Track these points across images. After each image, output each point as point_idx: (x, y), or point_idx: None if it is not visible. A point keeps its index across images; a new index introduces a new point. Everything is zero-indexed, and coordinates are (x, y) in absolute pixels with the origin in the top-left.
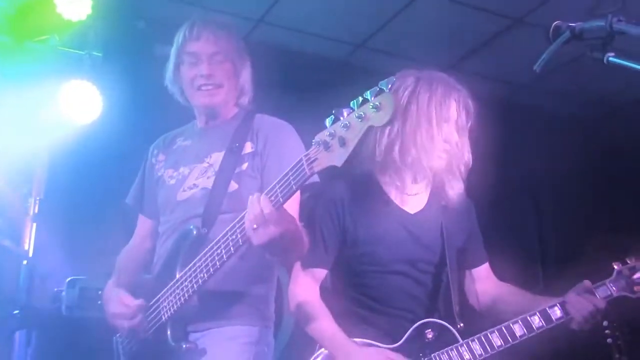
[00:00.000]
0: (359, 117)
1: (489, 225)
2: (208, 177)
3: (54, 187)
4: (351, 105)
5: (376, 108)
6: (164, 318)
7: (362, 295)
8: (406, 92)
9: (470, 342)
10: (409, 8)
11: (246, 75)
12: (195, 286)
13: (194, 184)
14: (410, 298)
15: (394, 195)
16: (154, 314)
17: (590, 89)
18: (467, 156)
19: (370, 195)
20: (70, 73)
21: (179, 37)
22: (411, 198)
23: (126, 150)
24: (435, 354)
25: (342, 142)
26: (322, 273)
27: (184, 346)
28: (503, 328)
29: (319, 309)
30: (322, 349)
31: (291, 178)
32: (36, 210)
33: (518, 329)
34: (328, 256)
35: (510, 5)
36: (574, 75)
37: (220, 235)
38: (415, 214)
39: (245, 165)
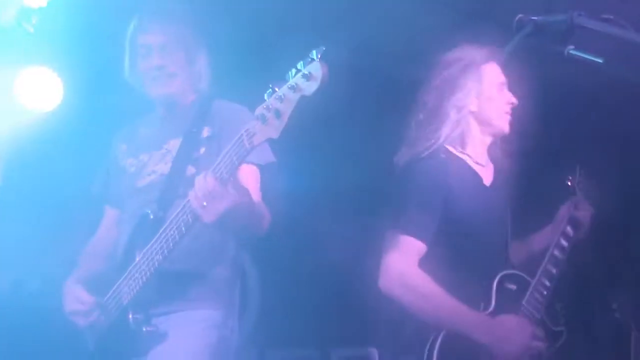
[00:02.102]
0: (291, 87)
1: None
2: (166, 163)
3: (13, 175)
4: (287, 77)
5: (306, 77)
6: (125, 302)
7: (453, 265)
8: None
9: (540, 278)
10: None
11: (202, 61)
12: (152, 269)
13: (153, 170)
14: (492, 265)
15: (475, 168)
16: (116, 298)
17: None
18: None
19: (460, 170)
20: (30, 59)
21: (130, 30)
22: (484, 169)
23: (87, 136)
24: (524, 301)
25: (278, 114)
26: (423, 248)
27: (145, 329)
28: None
29: (436, 286)
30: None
31: (233, 152)
32: None
33: (558, 253)
34: (431, 230)
35: None
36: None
37: (173, 216)
38: (490, 186)
39: (202, 150)
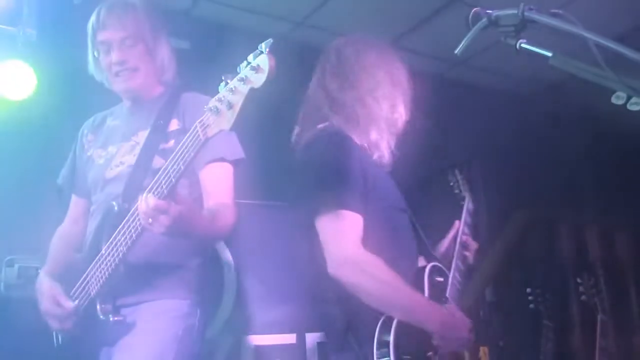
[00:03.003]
0: (241, 79)
1: (422, 201)
2: (134, 155)
3: None
4: (237, 69)
5: (254, 69)
6: (92, 293)
7: (381, 241)
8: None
9: (455, 273)
10: None
11: (163, 52)
12: (117, 260)
13: (121, 162)
14: (411, 238)
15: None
16: (84, 290)
17: (525, 66)
18: None
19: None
20: (3, 50)
21: (89, 28)
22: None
23: (61, 127)
24: (447, 293)
25: (229, 106)
26: (361, 221)
27: (112, 319)
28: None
29: (391, 270)
30: (384, 316)
31: (189, 145)
32: None
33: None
34: (361, 199)
35: None
36: (508, 53)
37: (128, 216)
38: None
39: (171, 142)
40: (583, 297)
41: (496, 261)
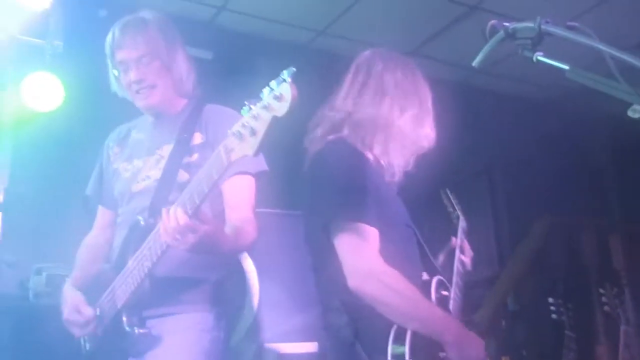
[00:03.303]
0: (264, 107)
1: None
2: (159, 169)
3: (19, 175)
4: (261, 94)
5: (277, 98)
6: (118, 305)
7: (390, 256)
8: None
9: (455, 288)
10: None
11: (180, 65)
12: (142, 273)
13: (147, 176)
14: (415, 252)
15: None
16: (110, 302)
17: (547, 73)
18: None
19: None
20: (31, 62)
21: (106, 48)
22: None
23: (88, 138)
24: (449, 307)
25: (253, 132)
26: (377, 234)
27: (137, 331)
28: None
29: (408, 282)
30: (396, 327)
31: (212, 168)
32: (1, 199)
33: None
34: (374, 212)
35: None
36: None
37: (155, 230)
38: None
39: (195, 156)
40: (606, 308)
41: (518, 269)
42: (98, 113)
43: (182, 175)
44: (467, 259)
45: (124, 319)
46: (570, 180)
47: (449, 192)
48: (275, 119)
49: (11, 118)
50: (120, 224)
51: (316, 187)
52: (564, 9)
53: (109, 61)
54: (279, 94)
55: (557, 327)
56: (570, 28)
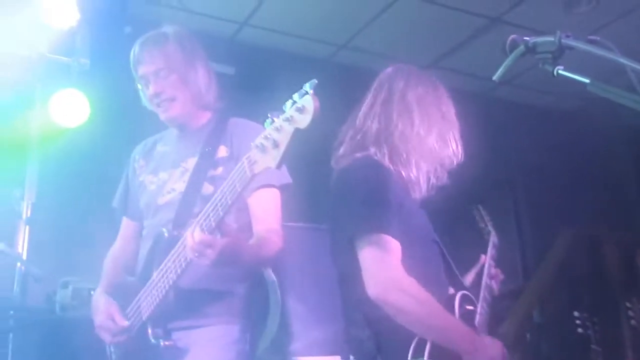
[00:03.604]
0: (287, 119)
1: (470, 219)
2: (184, 181)
3: (45, 190)
4: (283, 107)
5: (299, 110)
6: (144, 317)
7: (413, 268)
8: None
9: (482, 303)
10: (389, 9)
11: (200, 79)
12: (167, 286)
13: (172, 188)
14: (439, 267)
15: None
16: (136, 313)
17: (570, 83)
18: None
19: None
20: (59, 79)
21: (131, 64)
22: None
23: (114, 153)
24: (475, 322)
25: (275, 145)
26: (399, 247)
27: (162, 343)
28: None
29: (427, 292)
30: (417, 339)
31: (236, 180)
32: (29, 214)
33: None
34: (396, 226)
35: (488, 5)
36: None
37: (182, 239)
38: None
39: (220, 169)
40: (633, 322)
41: (542, 283)
42: (123, 128)
43: (207, 188)
44: (496, 274)
45: (150, 331)
46: (594, 192)
47: (481, 208)
48: (297, 131)
49: (39, 134)
50: (146, 236)
51: (341, 201)
52: (586, 21)
53: (135, 76)
54: (301, 106)
55: (583, 341)
56: (591, 42)
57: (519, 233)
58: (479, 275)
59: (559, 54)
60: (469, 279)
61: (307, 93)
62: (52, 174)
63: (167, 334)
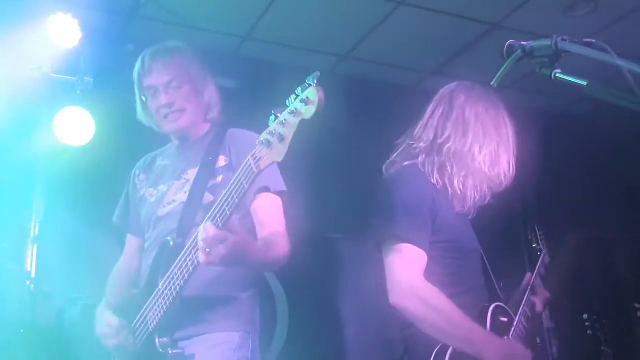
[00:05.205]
0: (291, 112)
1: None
2: (185, 192)
3: (53, 209)
4: (287, 103)
5: (304, 102)
6: (151, 328)
7: (447, 277)
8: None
9: (520, 317)
10: (389, 19)
11: (210, 92)
12: (174, 293)
13: (173, 200)
14: (478, 278)
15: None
16: (142, 325)
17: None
18: None
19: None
20: (63, 98)
21: (135, 75)
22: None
23: (119, 170)
24: (510, 334)
25: (281, 138)
26: (425, 257)
27: (171, 352)
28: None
29: (448, 300)
30: (440, 345)
31: (242, 178)
32: (37, 232)
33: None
34: (427, 237)
35: (488, 11)
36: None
37: (186, 247)
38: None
39: (220, 178)
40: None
41: (552, 285)
42: (129, 145)
43: (208, 198)
44: (538, 301)
45: (157, 340)
46: (605, 195)
47: (536, 227)
48: (303, 122)
49: (45, 153)
50: (148, 248)
51: (377, 207)
52: (585, 25)
53: (136, 88)
54: (305, 98)
55: (593, 343)
56: (587, 45)
57: (525, 237)
58: (524, 291)
59: (556, 57)
60: (515, 295)
61: (310, 85)
62: (58, 192)
63: (174, 343)
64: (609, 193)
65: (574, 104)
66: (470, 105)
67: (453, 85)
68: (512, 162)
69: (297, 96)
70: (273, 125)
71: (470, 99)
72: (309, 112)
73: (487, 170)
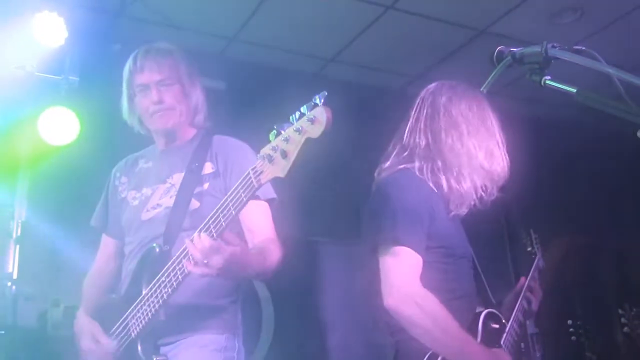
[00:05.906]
0: (297, 130)
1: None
2: (171, 197)
3: (35, 209)
4: (290, 119)
5: (311, 121)
6: (133, 334)
7: (440, 283)
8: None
9: (512, 323)
10: (376, 23)
11: (197, 95)
12: (160, 301)
13: (158, 204)
14: (470, 284)
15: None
16: (124, 331)
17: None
18: None
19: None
20: (48, 98)
21: (125, 72)
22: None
23: (103, 171)
24: (502, 341)
25: (284, 155)
26: (420, 261)
27: (155, 359)
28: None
29: (443, 307)
30: (430, 353)
31: (241, 190)
32: (19, 232)
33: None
34: (423, 241)
35: (474, 17)
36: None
37: (176, 256)
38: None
39: (206, 185)
40: (626, 329)
41: None
42: (113, 146)
43: (194, 204)
44: (535, 298)
45: (139, 347)
46: (589, 201)
47: (532, 231)
48: (309, 140)
49: (28, 152)
50: (130, 253)
51: (372, 210)
52: (573, 32)
53: (125, 85)
54: (312, 117)
55: (577, 348)
56: (577, 52)
57: (511, 242)
58: (517, 295)
59: (545, 64)
60: (506, 299)
61: (317, 104)
62: (41, 193)
63: (157, 349)
64: (592, 199)
65: (558, 110)
66: (454, 103)
67: (432, 85)
68: (504, 153)
69: (303, 114)
70: (276, 140)
71: (453, 97)
72: (316, 131)
73: (486, 166)
